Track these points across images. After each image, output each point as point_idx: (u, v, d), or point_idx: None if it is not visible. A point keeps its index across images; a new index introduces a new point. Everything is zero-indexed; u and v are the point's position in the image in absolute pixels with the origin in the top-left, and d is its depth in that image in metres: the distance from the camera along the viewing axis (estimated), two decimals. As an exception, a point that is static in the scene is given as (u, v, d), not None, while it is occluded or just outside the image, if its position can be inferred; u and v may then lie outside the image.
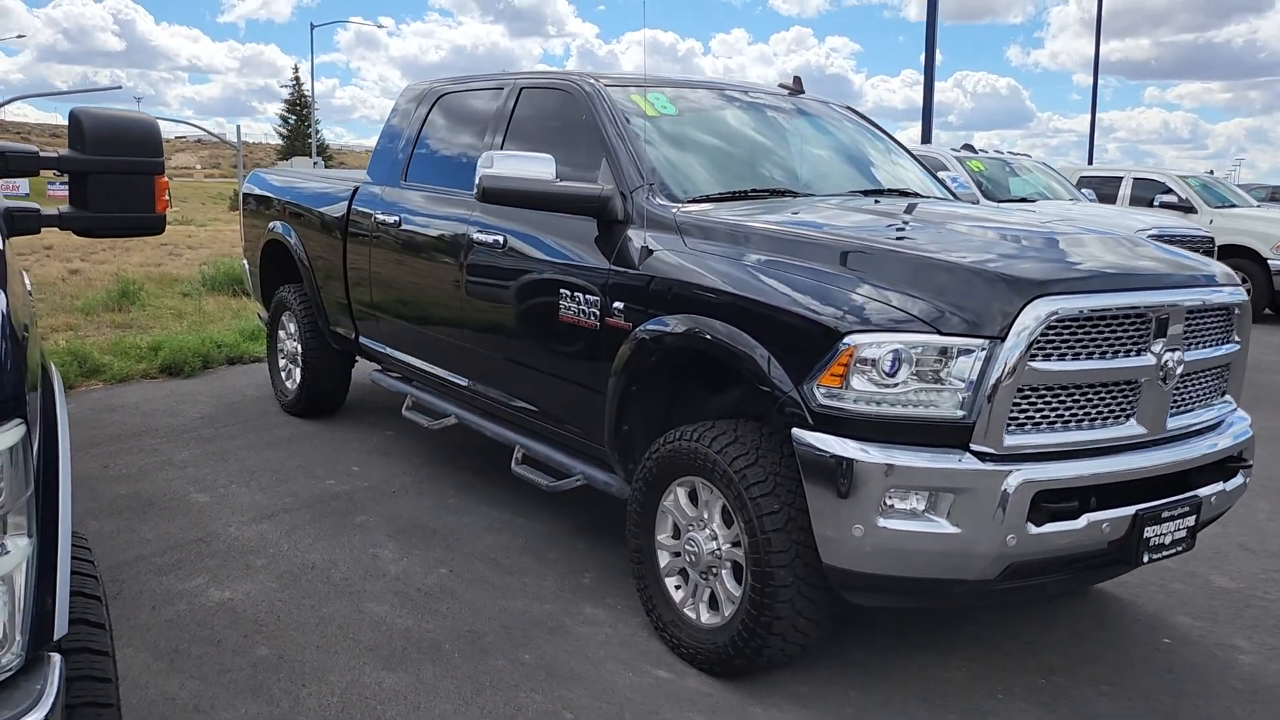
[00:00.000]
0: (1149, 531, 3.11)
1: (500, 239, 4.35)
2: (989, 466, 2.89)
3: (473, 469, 5.47)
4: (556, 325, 4.01)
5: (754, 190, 4.04)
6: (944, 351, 2.90)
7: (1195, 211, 13.97)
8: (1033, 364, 2.90)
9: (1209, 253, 9.65)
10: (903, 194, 4.47)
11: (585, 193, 3.88)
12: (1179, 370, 3.17)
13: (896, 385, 2.91)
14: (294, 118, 69.98)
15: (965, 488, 2.89)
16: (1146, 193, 14.97)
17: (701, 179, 4.08)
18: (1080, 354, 3.01)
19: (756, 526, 3.13)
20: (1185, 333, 3.22)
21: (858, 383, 2.93)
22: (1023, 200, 10.76)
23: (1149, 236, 9.07)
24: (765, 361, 3.13)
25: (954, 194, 4.81)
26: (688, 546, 3.46)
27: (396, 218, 5.16)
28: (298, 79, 72.64)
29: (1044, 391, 2.98)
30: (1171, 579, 4.33)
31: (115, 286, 10.80)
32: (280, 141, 70.79)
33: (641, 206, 3.78)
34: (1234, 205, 14.65)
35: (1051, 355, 2.95)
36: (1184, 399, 3.32)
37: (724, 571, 3.36)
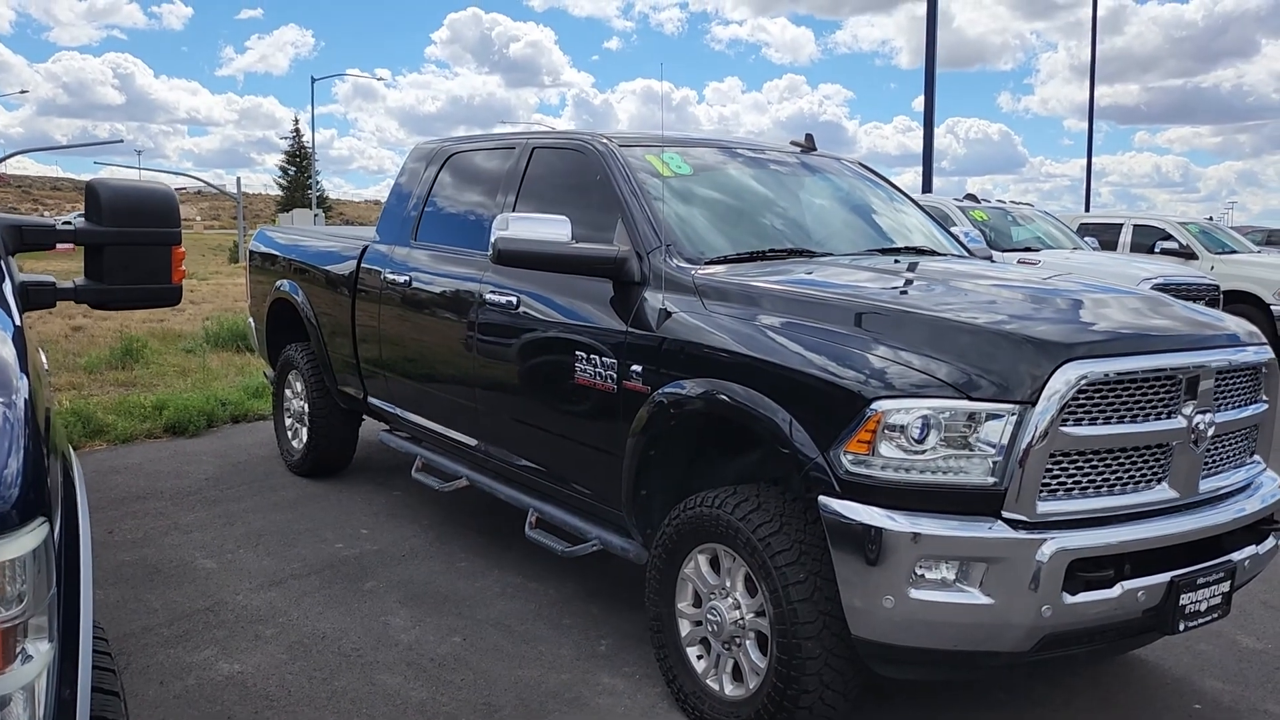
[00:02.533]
0: (1185, 599, 3.04)
1: (514, 300, 4.32)
2: (1022, 535, 2.83)
3: (483, 531, 5.39)
4: (571, 387, 3.96)
5: (771, 250, 4.00)
6: (973, 417, 2.84)
7: (1196, 258, 13.99)
8: (1064, 429, 2.85)
9: (1215, 301, 9.65)
10: (919, 251, 4.45)
11: (601, 254, 3.85)
12: (1210, 432, 3.12)
13: (925, 452, 2.86)
14: (293, 169, 70.65)
15: (998, 557, 2.82)
16: (1146, 239, 15.00)
17: (718, 240, 4.05)
18: (1111, 418, 2.95)
19: (782, 596, 3.06)
20: (1215, 394, 3.17)
21: (886, 449, 2.87)
22: (1026, 249, 10.79)
23: (1154, 286, 9.09)
24: (789, 427, 3.08)
25: (968, 249, 4.79)
26: (710, 615, 3.38)
27: (407, 277, 5.13)
28: (298, 130, 73.49)
29: (1076, 457, 2.92)
30: (1197, 640, 4.23)
31: (118, 344, 10.77)
32: (280, 193, 71.41)
33: (659, 268, 3.75)
34: (1234, 251, 14.68)
35: (1083, 420, 2.90)
36: (1215, 461, 3.26)
37: (748, 642, 3.28)
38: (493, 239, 3.82)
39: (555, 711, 3.51)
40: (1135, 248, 15.12)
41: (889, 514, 2.86)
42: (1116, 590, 2.92)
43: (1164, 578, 3.00)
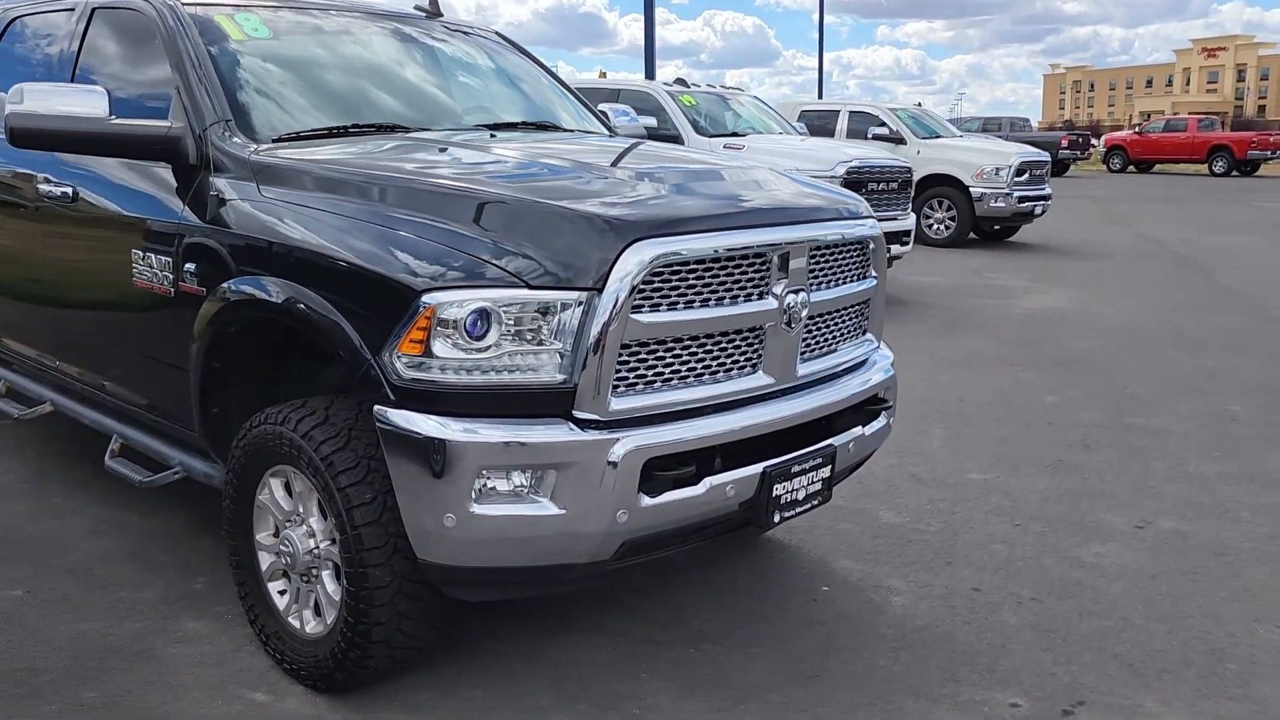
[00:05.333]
0: (779, 489, 2.88)
1: (69, 191, 3.64)
2: (591, 435, 2.54)
3: (95, 460, 4.69)
4: (133, 292, 3.38)
5: (355, 126, 3.49)
6: (541, 309, 2.51)
7: (905, 143, 14.52)
8: (637, 316, 2.57)
9: (908, 182, 9.88)
10: (539, 128, 4.05)
11: (148, 133, 3.24)
12: (805, 312, 2.93)
13: (487, 349, 2.51)
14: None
15: (567, 462, 2.54)
16: (862, 125, 15.49)
17: (295, 114, 3.49)
18: (693, 301, 2.69)
19: (346, 521, 2.67)
20: (811, 271, 2.97)
21: (441, 349, 2.50)
22: (734, 135, 10.73)
23: (849, 169, 9.21)
24: (339, 327, 2.65)
25: (609, 128, 4.44)
26: (283, 546, 2.97)
27: (-39, 168, 4.29)
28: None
29: (655, 346, 2.65)
30: (840, 519, 4.21)
31: None
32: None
33: (218, 147, 3.19)
34: (940, 136, 15.35)
35: (660, 305, 2.63)
36: (816, 343, 3.10)
37: (325, 573, 2.89)
38: (5, 114, 3.13)
39: (111, 670, 3.03)
40: (852, 134, 15.58)
41: (446, 422, 2.51)
42: (702, 487, 2.71)
43: (755, 469, 2.81)
